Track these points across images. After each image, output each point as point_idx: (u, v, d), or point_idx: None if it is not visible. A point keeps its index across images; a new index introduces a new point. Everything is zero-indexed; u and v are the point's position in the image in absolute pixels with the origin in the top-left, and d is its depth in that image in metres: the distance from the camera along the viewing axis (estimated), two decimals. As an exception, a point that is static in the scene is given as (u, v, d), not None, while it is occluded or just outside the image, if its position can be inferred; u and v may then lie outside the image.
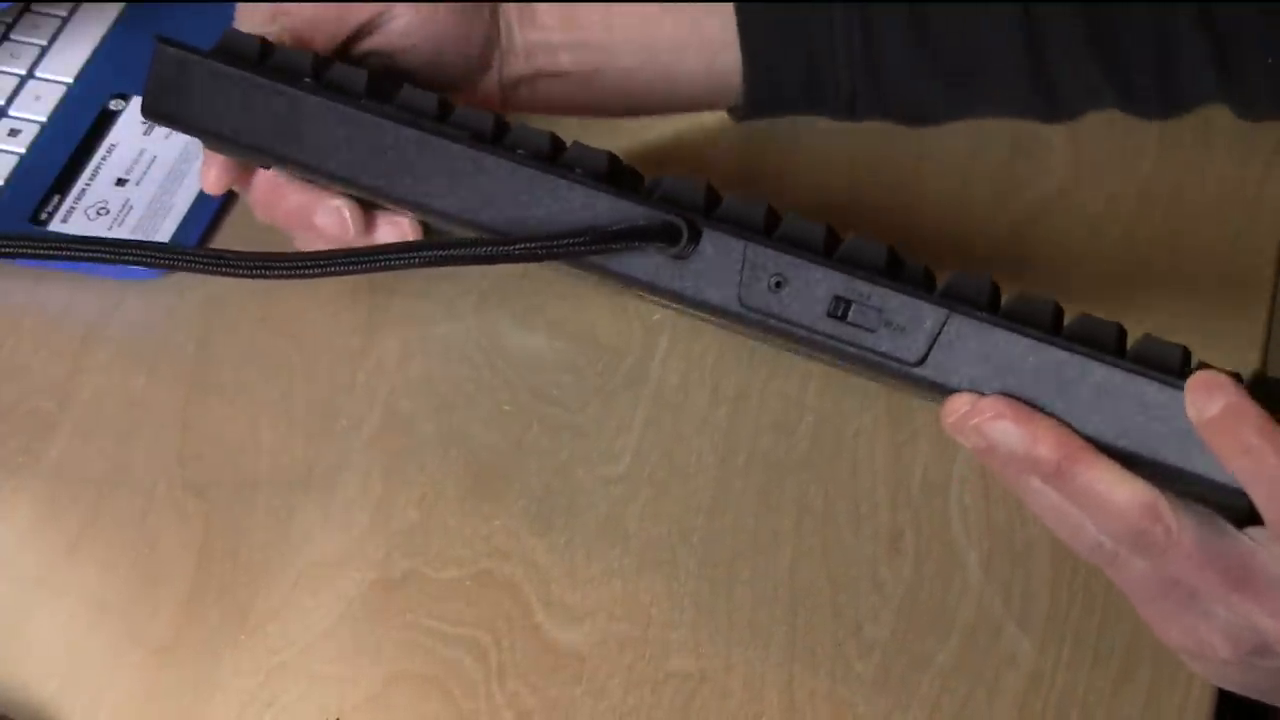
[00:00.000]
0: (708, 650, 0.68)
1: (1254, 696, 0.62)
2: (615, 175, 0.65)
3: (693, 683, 0.67)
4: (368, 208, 0.71)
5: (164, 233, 0.79)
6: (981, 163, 0.84)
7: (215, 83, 0.68)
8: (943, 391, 0.59)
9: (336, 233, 0.70)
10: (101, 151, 0.82)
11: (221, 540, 0.70)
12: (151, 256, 0.67)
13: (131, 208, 0.80)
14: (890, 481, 0.73)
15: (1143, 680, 0.68)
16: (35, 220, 0.79)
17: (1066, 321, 0.59)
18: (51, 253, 0.67)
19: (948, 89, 0.78)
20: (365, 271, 0.65)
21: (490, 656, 0.68)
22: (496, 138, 0.66)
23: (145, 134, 0.82)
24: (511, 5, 0.75)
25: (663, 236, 0.62)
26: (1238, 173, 0.84)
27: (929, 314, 0.60)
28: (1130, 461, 0.57)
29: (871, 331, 0.60)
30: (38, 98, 0.84)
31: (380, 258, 0.64)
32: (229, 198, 0.78)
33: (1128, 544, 0.57)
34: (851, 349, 0.61)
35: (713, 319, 0.64)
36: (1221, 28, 0.76)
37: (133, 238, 0.78)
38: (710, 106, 0.79)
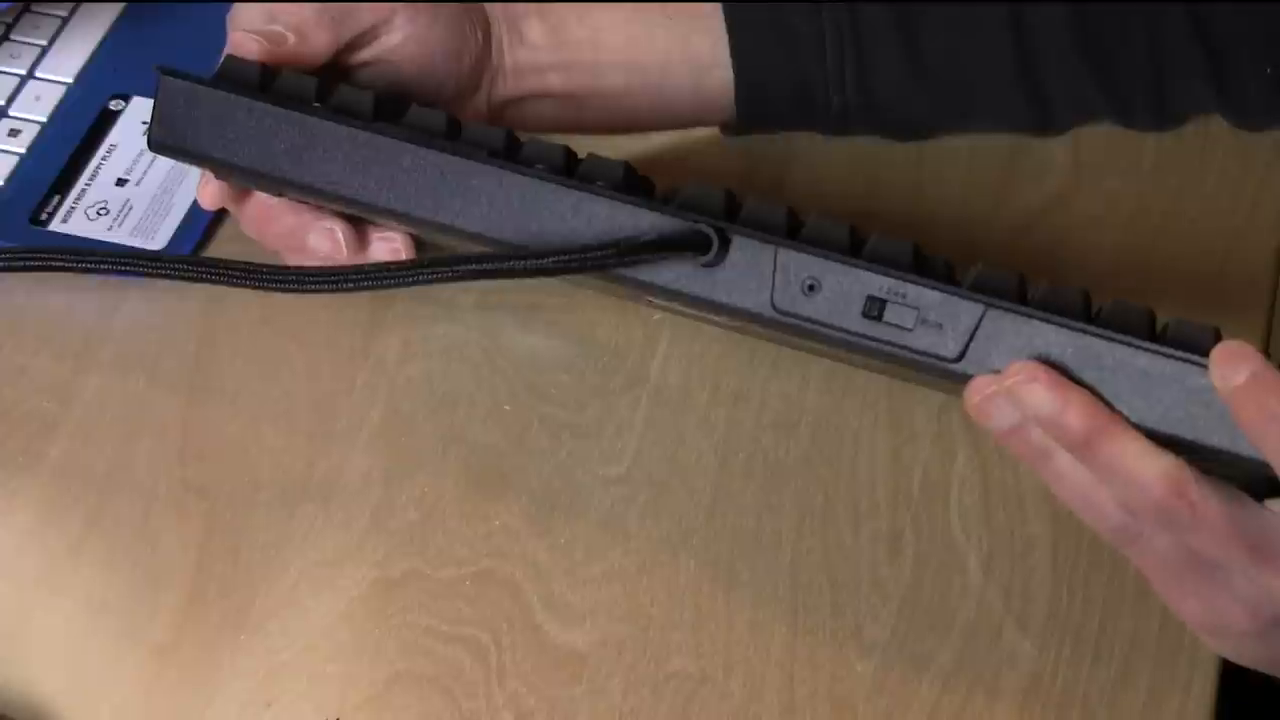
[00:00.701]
0: (708, 650, 0.68)
1: (1271, 671, 0.62)
2: (632, 185, 0.65)
3: (693, 683, 0.67)
4: (357, 224, 0.71)
5: (164, 233, 0.79)
6: (981, 163, 0.84)
7: (224, 111, 0.68)
8: None
9: (329, 253, 0.71)
10: (101, 151, 0.82)
11: (221, 540, 0.70)
12: (184, 269, 0.68)
13: (131, 208, 0.80)
14: (890, 482, 0.73)
15: (1143, 680, 0.68)
16: (35, 220, 0.79)
17: (1097, 309, 0.60)
18: (82, 265, 0.68)
19: (940, 105, 0.78)
20: (401, 286, 0.66)
21: (490, 656, 0.68)
22: (510, 153, 0.66)
23: (145, 132, 0.82)
24: (503, 26, 0.75)
25: (693, 245, 0.62)
26: (1238, 173, 0.84)
27: (965, 309, 0.60)
28: (1157, 439, 0.58)
29: (908, 330, 0.61)
30: (38, 98, 0.84)
31: (416, 273, 0.65)
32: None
33: (1153, 518, 0.58)
34: (889, 348, 0.61)
35: (742, 324, 0.64)
36: (1215, 39, 0.76)
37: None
38: (700, 124, 0.79)
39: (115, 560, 0.70)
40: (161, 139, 0.69)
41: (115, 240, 0.78)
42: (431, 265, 0.65)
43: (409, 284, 0.65)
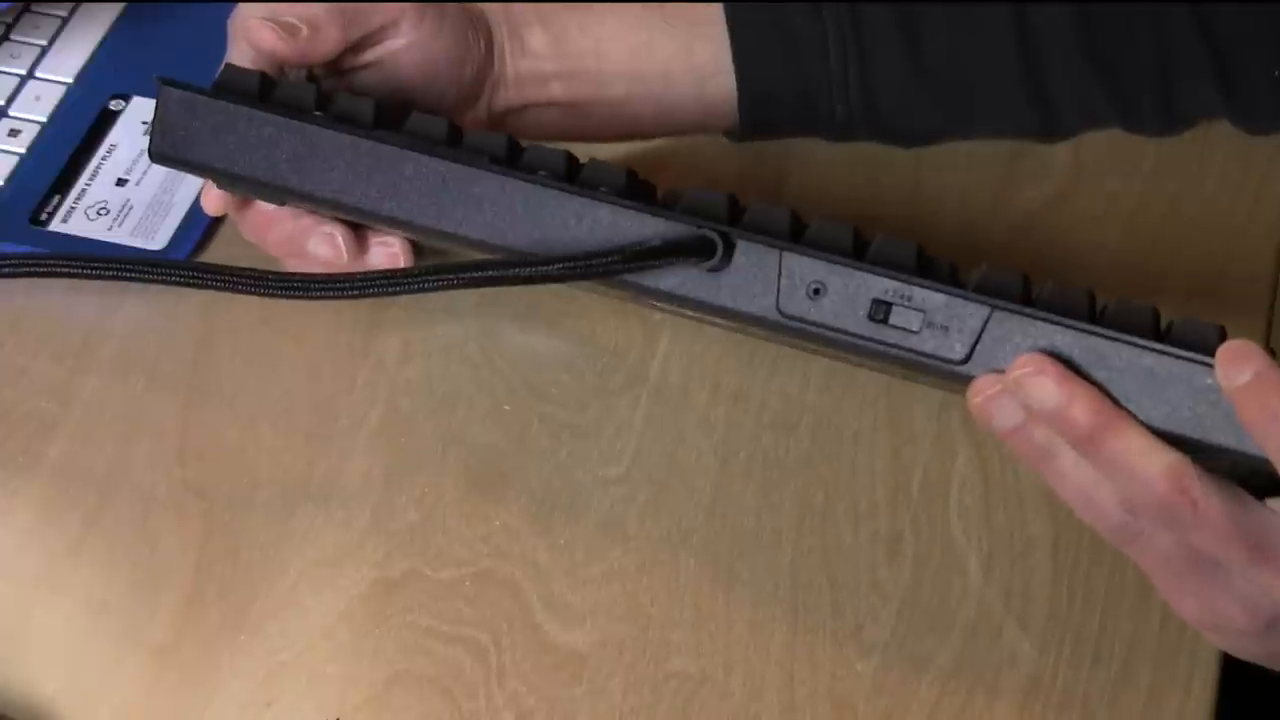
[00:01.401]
0: (708, 650, 0.68)
1: (1271, 665, 0.62)
2: (635, 190, 0.65)
3: (692, 683, 0.67)
4: (357, 230, 0.71)
5: (164, 233, 0.79)
6: (981, 163, 0.84)
7: (225, 121, 0.68)
8: None
9: (329, 258, 0.71)
10: (101, 151, 0.82)
11: (221, 540, 0.70)
12: (189, 276, 0.68)
13: (131, 208, 0.80)
14: (890, 482, 0.73)
15: (1143, 680, 0.68)
16: (35, 220, 0.79)
17: (1101, 308, 0.60)
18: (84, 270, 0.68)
19: (944, 112, 0.78)
20: (407, 293, 0.66)
21: (490, 656, 0.68)
22: (512, 160, 0.66)
23: (145, 134, 0.82)
24: (505, 34, 0.75)
25: (697, 251, 0.62)
26: (1238, 173, 0.84)
27: (971, 312, 0.60)
28: (1162, 437, 0.58)
29: (914, 333, 0.61)
30: (38, 98, 0.84)
31: (422, 280, 0.65)
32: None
33: (1154, 515, 0.58)
34: (895, 351, 0.61)
35: (747, 328, 0.64)
36: (1221, 39, 0.76)
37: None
38: (702, 130, 0.79)
39: (115, 560, 0.70)
40: (162, 150, 0.69)
41: (115, 240, 0.78)
42: (437, 272, 0.65)
43: (414, 291, 0.65)
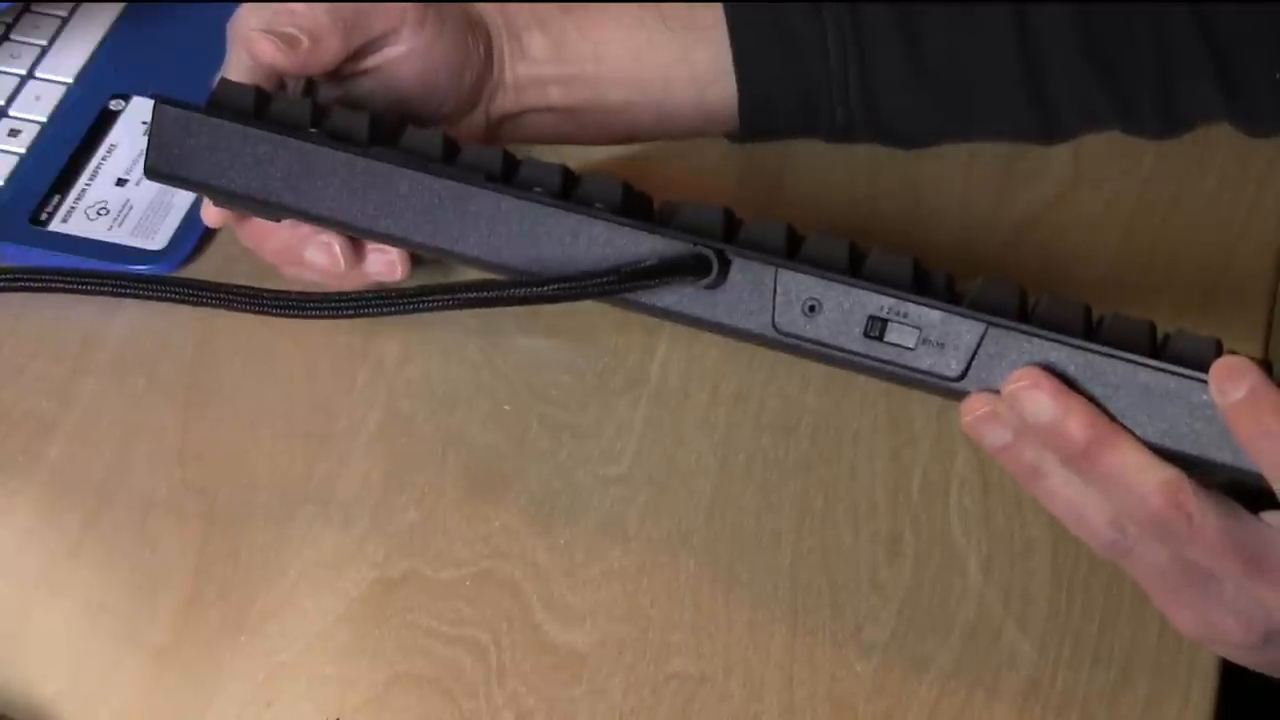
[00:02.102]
0: (707, 651, 0.68)
1: (1268, 672, 0.62)
2: (631, 205, 0.65)
3: (692, 683, 0.67)
4: (354, 238, 0.71)
5: (164, 233, 0.79)
6: (981, 164, 0.84)
7: (220, 140, 0.67)
8: None
9: (327, 266, 0.71)
10: (101, 151, 0.82)
11: (221, 541, 0.70)
12: (186, 293, 0.68)
13: (131, 208, 0.80)
14: (890, 483, 0.73)
15: (1143, 683, 0.68)
16: (35, 220, 0.79)
17: (1098, 321, 0.60)
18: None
19: (944, 112, 0.78)
20: (402, 313, 0.66)
21: (490, 656, 0.68)
22: (508, 176, 0.66)
23: (145, 134, 0.82)
24: (504, 38, 0.75)
25: (693, 269, 0.63)
26: (1238, 173, 0.84)
27: (967, 329, 0.60)
28: (1158, 453, 0.58)
29: (910, 350, 0.61)
30: (38, 98, 0.84)
31: (419, 301, 0.65)
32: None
33: (1149, 529, 0.58)
34: (891, 368, 0.61)
35: (743, 342, 0.64)
36: (1222, 40, 0.76)
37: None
38: (701, 134, 0.79)
39: (114, 561, 0.70)
40: (158, 167, 0.69)
41: (115, 240, 0.78)
42: (434, 293, 0.65)
43: (409, 311, 0.66)
